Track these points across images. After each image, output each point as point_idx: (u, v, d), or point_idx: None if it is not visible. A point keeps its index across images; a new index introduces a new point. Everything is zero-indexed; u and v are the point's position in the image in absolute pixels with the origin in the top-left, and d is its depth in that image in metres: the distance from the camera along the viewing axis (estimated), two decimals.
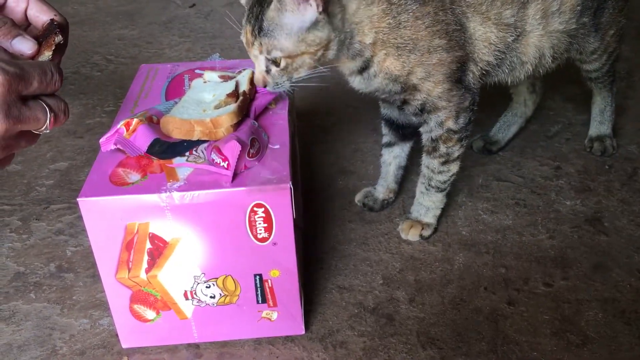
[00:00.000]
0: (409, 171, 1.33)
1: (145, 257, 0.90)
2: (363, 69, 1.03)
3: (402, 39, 0.99)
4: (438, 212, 1.20)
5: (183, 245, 0.89)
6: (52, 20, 0.73)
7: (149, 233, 0.88)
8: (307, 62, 0.96)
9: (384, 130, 1.26)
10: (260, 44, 0.95)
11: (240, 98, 0.98)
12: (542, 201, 1.29)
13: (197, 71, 1.16)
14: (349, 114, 1.63)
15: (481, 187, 1.35)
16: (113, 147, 0.92)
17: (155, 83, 1.13)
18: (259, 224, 0.89)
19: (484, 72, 1.09)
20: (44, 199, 1.35)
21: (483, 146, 1.44)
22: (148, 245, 0.89)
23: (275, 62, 0.96)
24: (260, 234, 0.89)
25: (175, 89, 1.10)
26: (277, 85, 0.99)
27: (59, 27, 0.72)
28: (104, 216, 0.87)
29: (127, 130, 0.92)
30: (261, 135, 0.96)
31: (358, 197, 1.30)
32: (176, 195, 0.85)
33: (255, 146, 0.92)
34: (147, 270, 0.91)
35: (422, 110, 1.07)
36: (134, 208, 0.86)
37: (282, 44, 0.94)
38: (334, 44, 0.96)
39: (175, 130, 0.93)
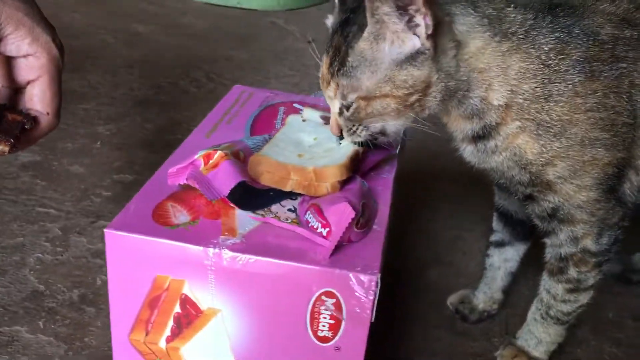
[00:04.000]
0: (520, 277, 1.06)
1: (170, 323, 0.69)
2: (480, 137, 0.77)
3: (549, 116, 0.73)
4: (552, 347, 0.92)
5: (220, 320, 0.68)
6: (31, 116, 0.68)
7: (182, 294, 0.67)
8: (390, 109, 0.71)
9: (496, 224, 1.00)
10: (337, 85, 0.72)
11: (355, 150, 0.77)
12: None
13: (295, 105, 0.96)
14: (457, 190, 1.38)
15: (611, 323, 1.06)
16: (184, 182, 0.72)
17: (245, 109, 0.94)
18: (324, 318, 0.65)
19: None
20: (95, 211, 1.18)
21: (621, 272, 1.14)
22: (177, 308, 0.68)
23: (348, 106, 0.73)
24: (322, 331, 0.66)
25: (265, 121, 0.90)
26: (351, 132, 0.75)
27: (33, 120, 0.68)
28: (131, 258, 0.66)
29: (206, 164, 0.72)
30: (371, 201, 0.73)
31: (452, 300, 1.04)
32: (226, 254, 0.64)
33: (365, 215, 0.69)
34: (169, 339, 0.70)
35: (552, 216, 0.80)
36: (171, 258, 0.65)
37: (362, 83, 0.71)
38: (435, 91, 0.71)
39: (267, 174, 0.72)
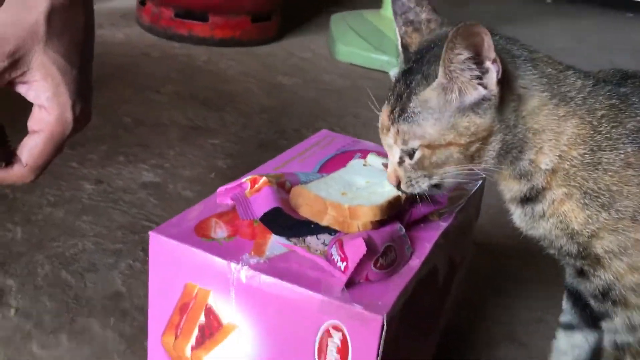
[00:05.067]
0: None
1: (196, 331, 0.73)
2: (528, 200, 0.75)
3: (597, 185, 0.69)
4: None
5: (237, 336, 0.70)
6: (10, 156, 0.70)
7: (207, 304, 0.71)
8: (453, 158, 0.71)
9: (565, 304, 0.92)
10: (398, 131, 0.72)
11: (397, 194, 0.78)
12: None
13: (372, 154, 0.98)
14: (550, 265, 1.29)
15: None
16: (229, 202, 0.78)
17: (322, 151, 0.98)
18: (332, 352, 0.66)
19: None
20: None
21: None
22: (202, 318, 0.72)
23: (410, 154, 0.73)
24: None
25: (335, 165, 0.94)
26: (411, 183, 0.75)
27: (7, 162, 0.70)
28: (167, 263, 0.72)
29: (251, 188, 0.78)
30: (403, 247, 0.73)
31: None
32: (245, 272, 0.67)
33: (388, 257, 0.70)
34: (194, 348, 0.74)
35: (605, 296, 0.74)
36: (200, 267, 0.70)
37: (425, 130, 0.71)
38: (495, 140, 0.70)
39: (305, 206, 0.75)
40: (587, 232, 0.71)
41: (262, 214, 0.72)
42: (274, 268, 0.67)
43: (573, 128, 0.70)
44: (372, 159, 0.87)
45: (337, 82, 2.36)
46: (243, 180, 0.77)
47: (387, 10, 2.64)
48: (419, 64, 0.74)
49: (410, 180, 0.75)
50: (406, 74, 0.75)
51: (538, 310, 1.18)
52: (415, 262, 0.72)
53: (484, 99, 0.69)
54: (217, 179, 1.50)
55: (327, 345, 0.65)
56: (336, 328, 0.64)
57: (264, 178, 0.76)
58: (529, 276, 1.29)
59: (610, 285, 0.72)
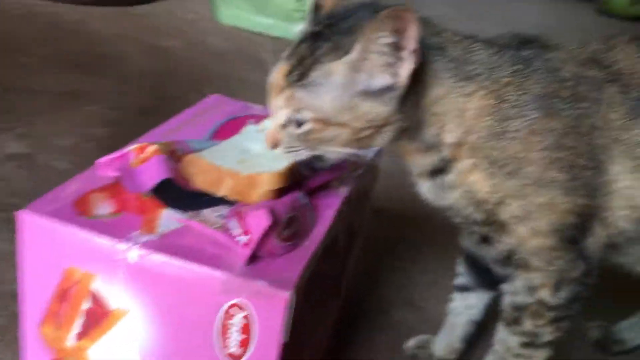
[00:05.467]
0: (489, 330, 0.99)
1: (80, 319, 0.65)
2: (437, 171, 0.73)
3: (504, 154, 0.68)
4: None
5: (127, 322, 0.64)
6: None
7: (91, 290, 0.64)
8: (341, 139, 0.67)
9: (460, 267, 0.94)
10: (292, 95, 0.67)
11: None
12: None
13: (266, 119, 0.93)
14: (443, 231, 1.31)
15: None
16: (112, 174, 0.70)
17: (213, 117, 0.92)
18: (234, 333, 0.61)
19: (611, 244, 0.75)
20: None
21: (601, 340, 1.06)
22: (86, 304, 0.64)
23: (298, 123, 0.68)
24: (231, 347, 0.62)
25: (228, 131, 0.87)
26: (290, 150, 0.70)
27: None
28: (42, 244, 0.63)
29: (137, 157, 0.70)
30: (306, 216, 0.69)
31: (410, 344, 0.98)
32: (134, 252, 0.60)
33: (292, 227, 0.65)
34: (78, 337, 0.66)
35: (508, 260, 0.74)
36: (83, 249, 0.62)
37: (322, 104, 0.66)
38: (389, 130, 0.67)
39: (199, 175, 0.69)
40: (494, 200, 0.70)
41: (153, 185, 0.65)
42: (168, 246, 0.61)
43: (478, 101, 0.68)
44: (268, 125, 0.82)
45: (222, 45, 2.27)
46: (128, 149, 0.69)
47: None
48: (330, 31, 0.68)
49: (291, 147, 0.70)
50: (314, 38, 0.69)
51: (431, 273, 1.20)
52: (319, 232, 0.68)
53: (390, 88, 0.65)
54: (96, 149, 1.38)
55: (228, 326, 0.61)
56: (239, 307, 0.59)
57: (153, 146, 0.69)
58: (422, 240, 1.30)
59: (514, 249, 0.73)
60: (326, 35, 0.68)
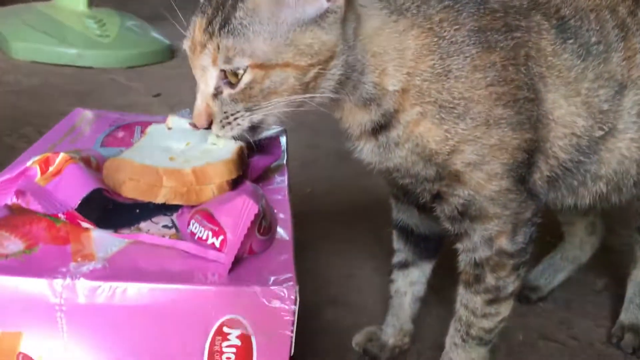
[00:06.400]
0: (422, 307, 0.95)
1: None
2: (380, 128, 0.67)
3: (451, 95, 0.65)
4: None
5: None
6: None
7: (19, 354, 0.47)
8: (289, 84, 0.59)
9: (397, 243, 0.89)
10: (218, 46, 0.58)
11: (239, 145, 0.62)
12: None
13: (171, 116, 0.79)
14: (338, 229, 1.26)
15: (523, 345, 0.97)
16: (12, 200, 0.53)
17: (92, 130, 0.76)
18: (228, 356, 0.48)
19: (550, 178, 0.75)
20: None
21: (519, 291, 1.08)
22: None
23: (231, 81, 0.59)
24: None
25: (119, 139, 0.73)
26: (227, 121, 0.60)
27: None
28: None
29: (44, 173, 0.53)
30: (270, 208, 0.58)
31: (357, 340, 0.90)
32: (83, 285, 0.45)
33: (266, 219, 0.54)
34: None
35: (463, 214, 0.71)
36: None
37: (257, 45, 0.58)
38: (336, 65, 0.61)
39: (130, 182, 0.55)
40: (447, 149, 0.66)
41: (79, 201, 0.50)
42: (121, 270, 0.47)
43: (416, 40, 0.64)
44: (175, 121, 0.69)
45: (25, 82, 2.01)
46: (27, 164, 0.53)
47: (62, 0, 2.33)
48: None
49: (227, 117, 0.60)
50: None
51: (345, 267, 1.13)
52: (286, 221, 0.58)
53: (328, 11, 0.59)
54: None
55: (221, 351, 0.48)
56: (233, 324, 0.47)
57: (62, 154, 0.53)
58: (324, 237, 1.24)
59: (470, 200, 0.69)
60: None
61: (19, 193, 0.52)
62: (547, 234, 1.12)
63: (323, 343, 0.92)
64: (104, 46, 2.26)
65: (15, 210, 0.53)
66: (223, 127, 0.60)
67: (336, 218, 1.29)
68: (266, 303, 0.47)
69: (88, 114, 0.82)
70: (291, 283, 0.47)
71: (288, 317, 0.48)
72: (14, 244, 0.49)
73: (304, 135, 1.52)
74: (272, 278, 0.48)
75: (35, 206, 0.51)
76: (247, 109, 0.60)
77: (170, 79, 2.18)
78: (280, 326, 0.48)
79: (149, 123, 0.79)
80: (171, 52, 2.42)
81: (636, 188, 0.82)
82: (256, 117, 0.60)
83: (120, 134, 0.74)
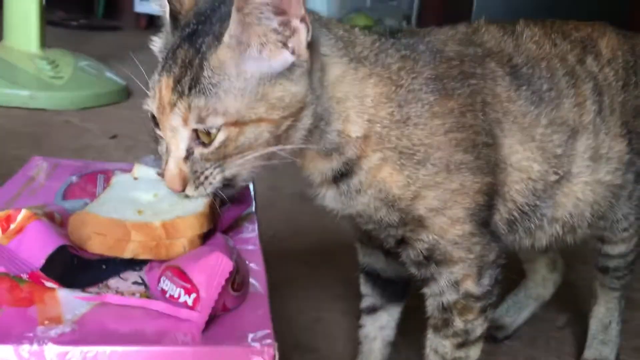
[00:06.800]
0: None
1: None
2: (342, 176, 0.68)
3: (410, 141, 0.66)
4: None
5: None
6: None
7: None
8: (263, 138, 0.59)
9: (364, 288, 0.88)
10: (189, 106, 0.57)
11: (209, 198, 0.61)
12: None
13: (117, 172, 0.78)
14: (304, 272, 1.25)
15: None
16: None
17: (52, 179, 0.74)
18: None
19: (509, 220, 0.76)
20: None
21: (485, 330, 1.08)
22: None
23: (204, 141, 0.58)
24: None
25: (82, 189, 0.71)
26: (200, 181, 0.59)
27: None
28: None
29: (5, 231, 0.51)
30: (242, 261, 0.57)
31: None
32: (51, 350, 0.43)
33: (239, 274, 0.52)
34: None
35: (429, 259, 0.71)
36: None
37: (229, 103, 0.57)
38: (307, 115, 0.61)
39: (96, 237, 0.53)
40: (409, 194, 0.67)
41: (44, 260, 0.48)
42: (90, 334, 0.45)
43: (374, 88, 0.66)
44: (142, 171, 0.68)
45: None
46: None
47: (10, 40, 2.28)
48: (206, 26, 0.61)
49: (199, 177, 0.59)
50: (190, 39, 0.60)
51: (311, 311, 1.12)
52: (260, 273, 0.57)
53: (294, 65, 0.59)
54: None
55: None
56: None
57: (24, 211, 0.51)
58: (287, 285, 1.22)
59: (435, 244, 0.70)
60: (203, 32, 0.61)
61: None
62: (509, 271, 1.13)
63: None
64: (57, 88, 2.21)
65: None
66: (197, 187, 0.59)
67: (301, 261, 1.28)
68: None
69: (45, 164, 0.79)
70: (269, 340, 0.46)
71: None
72: None
73: (264, 177, 1.51)
74: (250, 335, 0.47)
75: None
76: (218, 166, 0.59)
77: (126, 120, 2.15)
78: None
79: (111, 171, 0.77)
80: (127, 93, 2.39)
81: (590, 229, 0.84)
82: (228, 172, 0.60)
83: (82, 184, 0.72)
